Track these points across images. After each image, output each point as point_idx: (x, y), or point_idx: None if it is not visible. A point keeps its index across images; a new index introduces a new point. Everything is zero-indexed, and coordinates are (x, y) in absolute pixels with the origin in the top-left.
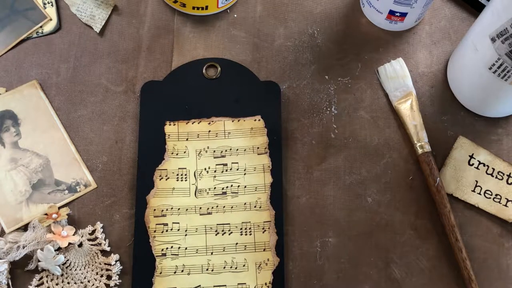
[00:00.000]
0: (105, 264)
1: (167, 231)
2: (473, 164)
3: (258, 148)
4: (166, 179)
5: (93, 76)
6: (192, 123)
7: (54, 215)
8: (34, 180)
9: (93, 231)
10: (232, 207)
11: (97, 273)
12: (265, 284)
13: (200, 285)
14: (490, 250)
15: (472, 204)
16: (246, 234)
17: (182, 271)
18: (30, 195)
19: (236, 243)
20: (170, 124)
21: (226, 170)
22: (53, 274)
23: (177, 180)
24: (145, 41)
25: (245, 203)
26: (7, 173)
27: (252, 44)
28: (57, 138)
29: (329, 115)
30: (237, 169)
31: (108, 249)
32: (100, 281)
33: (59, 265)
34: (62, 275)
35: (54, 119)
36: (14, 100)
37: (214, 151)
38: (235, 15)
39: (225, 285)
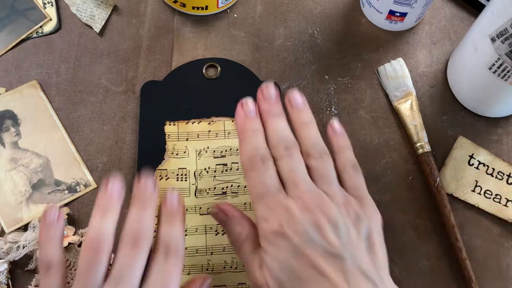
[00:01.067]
0: None
1: None
2: (473, 164)
3: None
4: (166, 179)
5: (93, 76)
6: (192, 123)
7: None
8: (34, 180)
9: None
10: None
11: None
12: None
13: None
14: (490, 250)
15: (472, 204)
16: None
17: (182, 271)
18: (30, 195)
19: None
20: (170, 124)
21: (226, 170)
22: None
23: (177, 180)
24: (145, 41)
25: (245, 203)
26: (7, 173)
27: (252, 44)
28: (57, 138)
29: (329, 115)
30: (237, 169)
31: None
32: None
33: None
34: None
35: (54, 119)
36: (14, 100)
37: (214, 151)
38: (235, 15)
39: (225, 285)
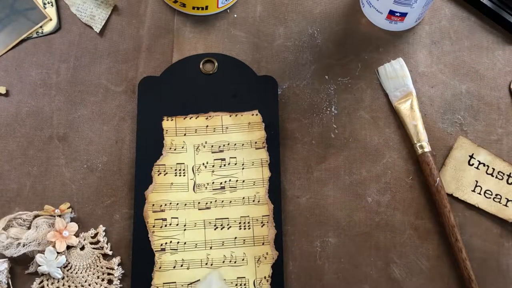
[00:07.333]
0: (106, 268)
1: (166, 226)
2: (473, 164)
3: (256, 142)
4: (165, 174)
5: (93, 76)
6: (190, 118)
7: (57, 211)
8: None
9: (95, 234)
10: (230, 202)
11: (98, 277)
12: (264, 277)
13: (199, 280)
14: (490, 250)
15: (472, 204)
16: (244, 228)
17: (182, 265)
18: None
19: (235, 237)
20: (167, 119)
21: (224, 165)
22: (53, 278)
23: (176, 175)
24: (145, 41)
25: (243, 198)
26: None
27: (252, 44)
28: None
29: (329, 115)
30: (235, 164)
31: (110, 253)
32: (101, 285)
33: (60, 268)
34: (63, 278)
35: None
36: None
37: (212, 146)
38: (235, 15)
39: (224, 279)
